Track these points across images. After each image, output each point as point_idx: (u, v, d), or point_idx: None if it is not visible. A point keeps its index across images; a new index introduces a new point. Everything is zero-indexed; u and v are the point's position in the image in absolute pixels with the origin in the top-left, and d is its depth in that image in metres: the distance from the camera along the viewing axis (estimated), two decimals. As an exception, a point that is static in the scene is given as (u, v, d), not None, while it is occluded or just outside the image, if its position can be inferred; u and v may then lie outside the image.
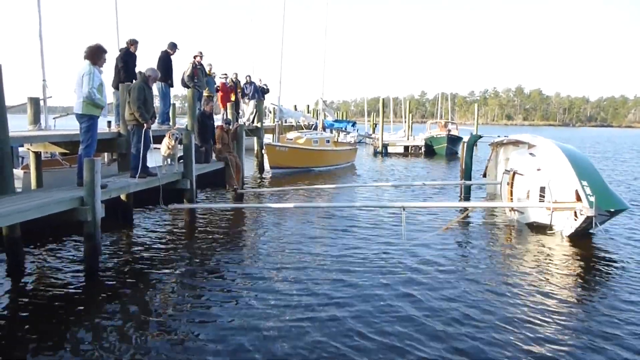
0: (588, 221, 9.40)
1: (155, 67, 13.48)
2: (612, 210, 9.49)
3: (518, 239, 10.36)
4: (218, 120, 15.61)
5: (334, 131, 31.54)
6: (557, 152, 10.94)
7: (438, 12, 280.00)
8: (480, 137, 16.16)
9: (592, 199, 9.25)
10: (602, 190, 9.63)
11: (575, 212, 9.70)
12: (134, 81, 10.82)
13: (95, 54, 8.07)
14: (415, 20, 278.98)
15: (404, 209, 9.98)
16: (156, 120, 13.57)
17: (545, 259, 8.77)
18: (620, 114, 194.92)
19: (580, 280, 7.79)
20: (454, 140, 34.62)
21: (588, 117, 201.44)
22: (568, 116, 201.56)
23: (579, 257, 8.96)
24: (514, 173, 12.22)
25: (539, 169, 11.17)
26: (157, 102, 13.37)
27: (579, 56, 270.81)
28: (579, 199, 9.64)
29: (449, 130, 35.93)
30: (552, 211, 10.12)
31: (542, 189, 10.72)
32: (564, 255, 9.13)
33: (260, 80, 23.15)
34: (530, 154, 12.12)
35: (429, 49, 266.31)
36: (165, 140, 10.72)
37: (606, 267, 8.43)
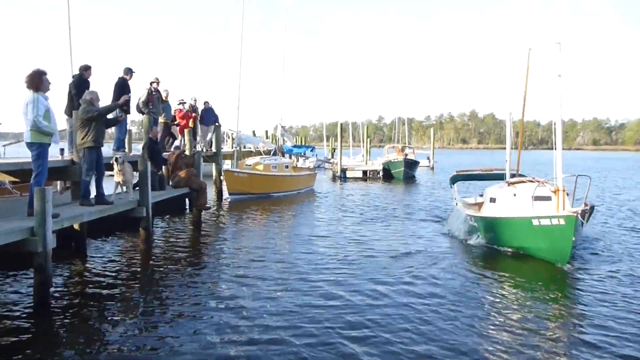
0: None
1: (112, 94, 13.41)
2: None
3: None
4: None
5: (292, 156, 31.66)
6: None
7: (394, 38, 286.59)
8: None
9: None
10: None
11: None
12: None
13: (36, 81, 7.88)
14: (373, 46, 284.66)
15: None
16: (111, 146, 13.43)
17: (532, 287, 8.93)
18: (570, 137, 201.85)
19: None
20: (411, 164, 35.32)
21: (540, 140, 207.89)
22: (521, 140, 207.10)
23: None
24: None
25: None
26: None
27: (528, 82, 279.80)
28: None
29: (406, 155, 36.66)
30: (555, 191, 10.32)
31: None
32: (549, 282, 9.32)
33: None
34: None
35: (386, 75, 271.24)
36: (114, 166, 10.61)
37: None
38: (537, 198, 10.73)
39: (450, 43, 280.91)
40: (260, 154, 27.55)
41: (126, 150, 15.16)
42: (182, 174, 13.59)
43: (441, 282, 8.81)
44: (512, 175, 13.80)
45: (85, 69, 12.04)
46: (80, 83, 11.91)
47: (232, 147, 25.04)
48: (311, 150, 34.16)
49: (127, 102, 10.76)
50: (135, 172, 11.43)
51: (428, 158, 48.32)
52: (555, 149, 10.46)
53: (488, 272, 9.63)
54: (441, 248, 11.73)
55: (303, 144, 44.28)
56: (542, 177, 12.30)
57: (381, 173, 35.60)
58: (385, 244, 11.99)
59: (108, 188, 10.79)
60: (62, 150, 11.72)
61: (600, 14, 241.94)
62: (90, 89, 11.58)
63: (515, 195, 11.59)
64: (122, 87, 13.58)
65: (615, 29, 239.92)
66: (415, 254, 10.91)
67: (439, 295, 8.04)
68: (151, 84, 15.68)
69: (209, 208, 15.15)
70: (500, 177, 14.86)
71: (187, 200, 15.85)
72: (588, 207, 10.68)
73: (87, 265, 9.84)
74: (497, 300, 8.00)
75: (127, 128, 15.78)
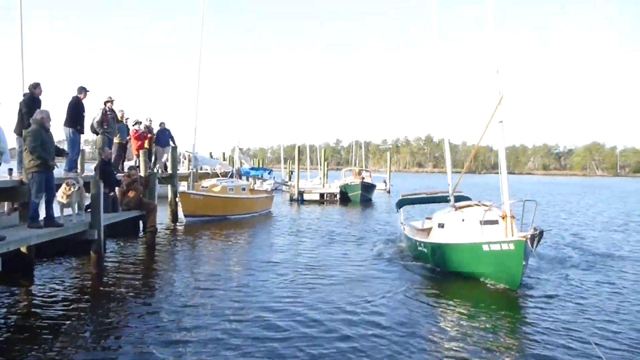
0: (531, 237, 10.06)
1: (66, 113, 13.16)
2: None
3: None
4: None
5: (250, 179, 31.56)
6: None
7: (352, 62, 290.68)
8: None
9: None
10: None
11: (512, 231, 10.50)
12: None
13: None
14: (331, 70, 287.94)
15: None
16: (63, 167, 13.12)
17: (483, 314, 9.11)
18: (522, 162, 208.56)
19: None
20: (367, 187, 35.75)
21: (492, 164, 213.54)
22: (474, 164, 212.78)
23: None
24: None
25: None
26: (65, 147, 12.92)
27: (479, 109, 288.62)
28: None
29: (363, 178, 37.10)
30: (503, 216, 10.72)
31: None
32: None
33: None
34: None
35: (344, 98, 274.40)
36: (62, 187, 10.29)
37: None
38: (486, 222, 11.01)
39: (408, 68, 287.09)
40: (217, 176, 27.37)
41: (78, 170, 14.85)
42: (130, 194, 13.44)
43: (393, 310, 8.88)
44: (456, 198, 14.09)
45: (35, 87, 11.79)
46: (31, 102, 11.65)
47: (189, 169, 24.77)
48: (269, 173, 34.10)
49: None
50: (87, 194, 11.19)
51: (384, 181, 48.96)
52: (500, 173, 10.86)
53: (439, 298, 9.79)
54: (394, 274, 11.81)
55: (260, 166, 44.25)
56: (492, 201, 12.63)
57: (338, 196, 35.83)
58: (340, 270, 11.96)
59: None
60: (10, 170, 11.39)
61: (547, 41, 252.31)
62: (42, 107, 11.37)
63: (463, 220, 11.82)
64: (75, 106, 13.35)
65: (563, 57, 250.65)
66: (368, 280, 10.97)
67: (390, 323, 8.10)
68: (105, 103, 15.45)
69: (156, 230, 14.62)
70: (444, 199, 15.13)
71: (140, 222, 15.56)
72: (537, 232, 11.04)
73: (35, 289, 9.51)
74: (448, 326, 8.15)
75: (80, 148, 15.49)
